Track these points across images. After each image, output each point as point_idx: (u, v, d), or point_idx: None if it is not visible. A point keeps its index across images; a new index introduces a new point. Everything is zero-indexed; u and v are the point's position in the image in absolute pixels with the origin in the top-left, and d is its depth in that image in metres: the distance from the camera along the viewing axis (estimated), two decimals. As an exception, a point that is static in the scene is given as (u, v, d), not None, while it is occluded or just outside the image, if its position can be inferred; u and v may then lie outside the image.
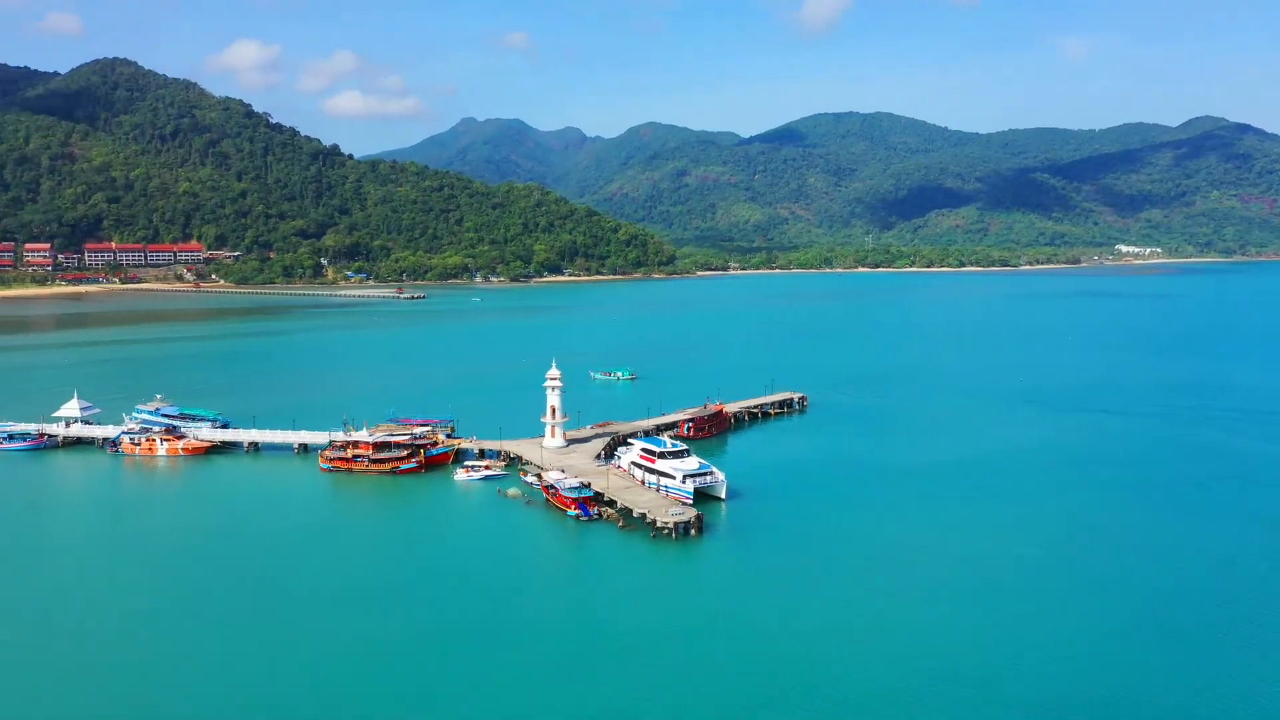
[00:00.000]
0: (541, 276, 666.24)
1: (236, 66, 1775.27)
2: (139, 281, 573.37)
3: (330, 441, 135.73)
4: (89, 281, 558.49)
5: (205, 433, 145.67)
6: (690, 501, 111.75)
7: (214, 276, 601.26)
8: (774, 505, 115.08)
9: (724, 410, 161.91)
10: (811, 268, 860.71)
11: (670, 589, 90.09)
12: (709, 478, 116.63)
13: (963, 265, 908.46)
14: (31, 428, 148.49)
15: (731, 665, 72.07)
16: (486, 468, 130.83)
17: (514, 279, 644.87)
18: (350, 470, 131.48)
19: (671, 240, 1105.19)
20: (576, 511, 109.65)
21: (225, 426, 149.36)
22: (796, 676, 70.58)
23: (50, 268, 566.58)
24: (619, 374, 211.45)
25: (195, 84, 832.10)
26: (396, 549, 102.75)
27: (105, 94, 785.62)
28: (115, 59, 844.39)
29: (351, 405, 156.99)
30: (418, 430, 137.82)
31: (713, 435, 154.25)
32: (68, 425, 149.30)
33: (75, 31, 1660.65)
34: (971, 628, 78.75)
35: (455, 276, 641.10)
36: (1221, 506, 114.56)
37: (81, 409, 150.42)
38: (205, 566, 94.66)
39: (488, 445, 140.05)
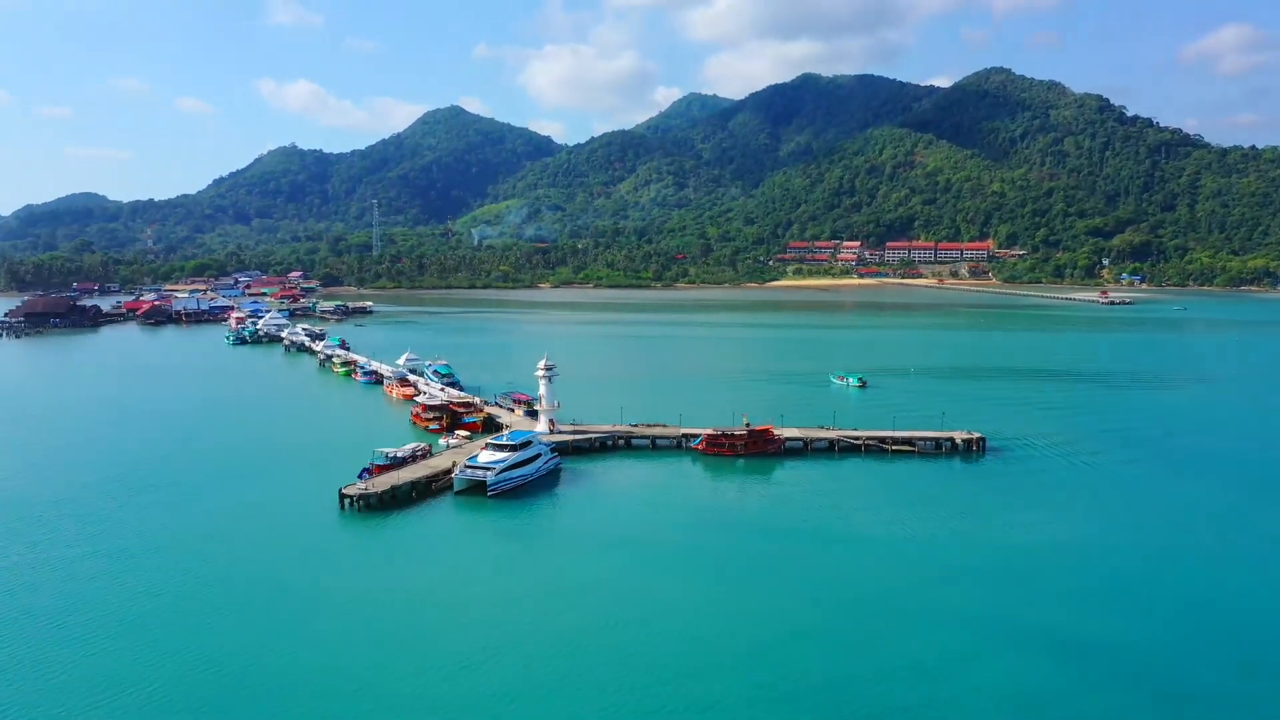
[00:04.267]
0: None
1: (1217, 51, 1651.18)
2: (917, 277, 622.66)
3: (414, 401, 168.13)
4: (876, 275, 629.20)
5: (420, 384, 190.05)
6: (453, 489, 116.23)
7: (989, 274, 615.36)
8: (524, 513, 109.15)
9: (769, 431, 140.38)
10: None
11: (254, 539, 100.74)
12: (482, 473, 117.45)
13: None
14: (376, 367, 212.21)
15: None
16: (467, 437, 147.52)
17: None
18: (415, 424, 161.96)
19: None
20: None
21: (453, 385, 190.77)
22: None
23: (854, 263, 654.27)
24: (851, 379, 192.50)
25: (1059, 84, 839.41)
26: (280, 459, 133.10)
27: (973, 103, 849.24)
28: (991, 69, 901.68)
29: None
30: (477, 401, 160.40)
31: (736, 454, 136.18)
32: (396, 369, 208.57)
33: (1055, 44, 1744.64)
34: None
35: (1252, 282, 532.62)
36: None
37: (406, 359, 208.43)
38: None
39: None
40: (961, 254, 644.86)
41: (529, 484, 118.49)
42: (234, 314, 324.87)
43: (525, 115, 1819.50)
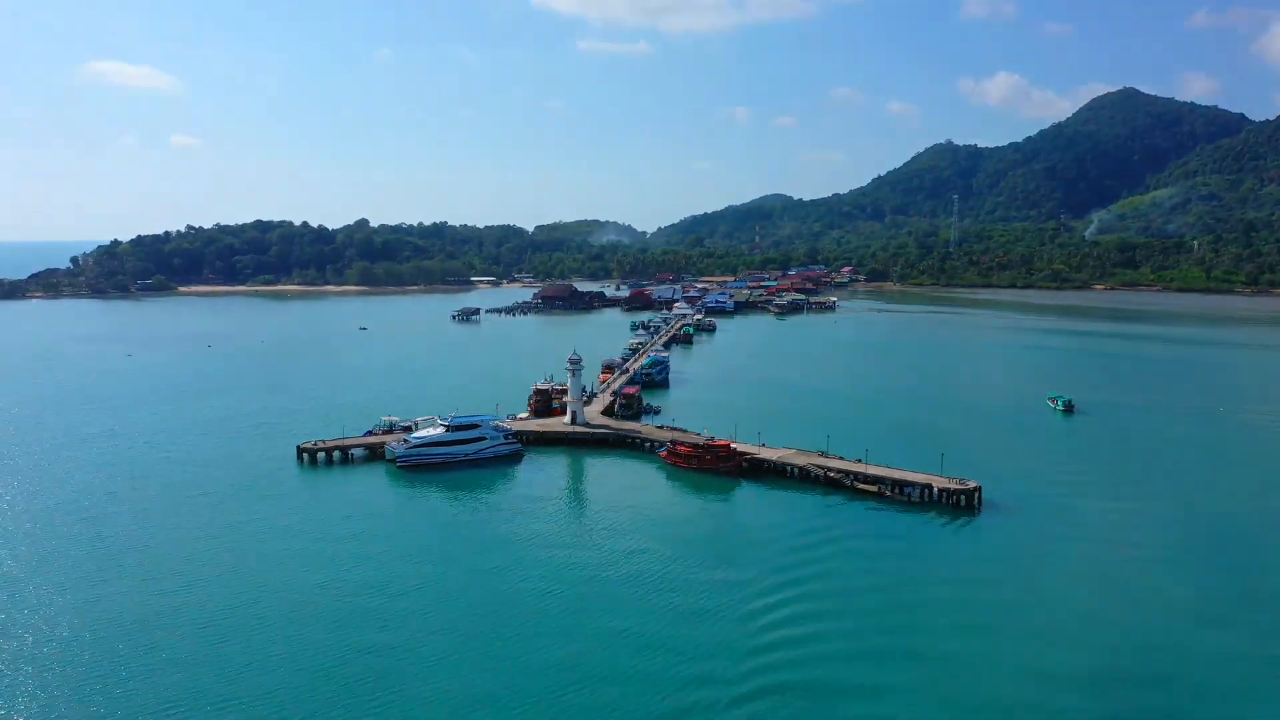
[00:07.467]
0: None
1: None
2: None
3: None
4: None
5: (617, 371, 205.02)
6: (383, 455, 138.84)
7: None
8: (404, 484, 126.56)
9: (727, 447, 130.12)
10: None
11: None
12: (394, 445, 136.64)
13: None
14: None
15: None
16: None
17: None
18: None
19: None
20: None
21: (648, 375, 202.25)
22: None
23: None
24: (1058, 401, 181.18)
25: None
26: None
27: None
28: None
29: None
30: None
31: (690, 467, 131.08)
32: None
33: None
34: None
35: None
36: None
37: (632, 345, 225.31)
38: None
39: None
40: None
41: (457, 463, 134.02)
42: (676, 303, 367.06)
43: (1266, 91, 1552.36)
